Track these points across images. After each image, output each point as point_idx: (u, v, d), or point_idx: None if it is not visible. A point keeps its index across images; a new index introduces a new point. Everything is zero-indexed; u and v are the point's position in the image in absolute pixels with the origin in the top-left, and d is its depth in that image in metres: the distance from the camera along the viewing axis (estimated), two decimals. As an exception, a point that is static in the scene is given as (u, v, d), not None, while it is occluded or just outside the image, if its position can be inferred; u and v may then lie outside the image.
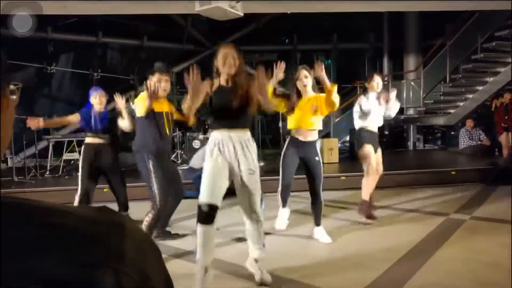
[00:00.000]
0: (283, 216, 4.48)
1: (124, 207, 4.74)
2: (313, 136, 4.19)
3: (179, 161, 8.63)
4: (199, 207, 3.10)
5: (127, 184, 4.82)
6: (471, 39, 10.51)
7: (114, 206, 4.73)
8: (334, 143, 8.90)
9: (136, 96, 4.92)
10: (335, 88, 3.92)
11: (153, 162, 4.05)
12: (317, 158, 4.15)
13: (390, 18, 12.53)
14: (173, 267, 3.57)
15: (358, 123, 4.96)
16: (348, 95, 11.23)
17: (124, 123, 4.39)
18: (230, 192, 3.31)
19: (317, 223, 4.27)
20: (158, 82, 4.07)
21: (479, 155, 9.10)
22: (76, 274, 0.45)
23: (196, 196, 5.81)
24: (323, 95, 4.06)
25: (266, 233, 4.32)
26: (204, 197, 3.10)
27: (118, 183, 4.74)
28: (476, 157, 8.86)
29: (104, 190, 5.14)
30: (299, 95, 4.19)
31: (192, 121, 3.40)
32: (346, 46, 13.44)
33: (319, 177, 4.16)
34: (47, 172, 7.75)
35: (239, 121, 3.17)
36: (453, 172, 7.21)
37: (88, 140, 4.69)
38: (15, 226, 0.46)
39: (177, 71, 11.03)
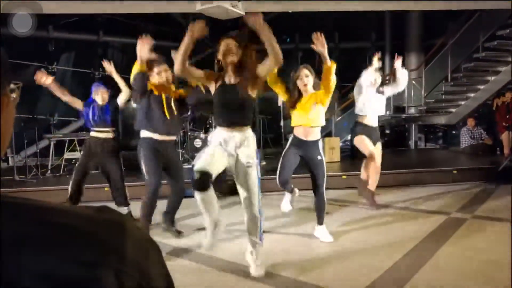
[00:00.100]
0: (287, 198, 4.58)
1: (123, 203, 4.74)
2: (314, 135, 4.17)
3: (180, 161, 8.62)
4: (194, 174, 3.19)
5: (132, 183, 4.83)
6: (472, 38, 10.49)
7: (114, 206, 4.73)
8: (335, 142, 8.91)
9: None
10: (334, 66, 3.89)
11: (142, 141, 4.11)
12: (319, 157, 4.14)
13: (391, 17, 12.52)
14: (174, 265, 3.57)
15: (357, 107, 5.28)
16: (350, 94, 11.22)
17: (122, 95, 4.45)
18: (231, 192, 3.34)
19: (319, 222, 4.27)
20: (159, 74, 4.11)
21: (480, 154, 9.09)
22: (77, 273, 0.45)
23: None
24: (322, 91, 4.06)
25: (266, 231, 4.33)
26: (198, 164, 3.20)
27: (117, 179, 4.73)
28: (478, 156, 8.85)
29: (105, 189, 5.14)
30: (300, 94, 4.19)
31: (178, 66, 3.13)
32: (348, 45, 13.42)
33: (322, 176, 4.15)
34: (48, 171, 7.76)
35: (241, 119, 3.27)
36: (455, 171, 7.20)
37: (91, 134, 4.76)
38: (16, 225, 0.46)
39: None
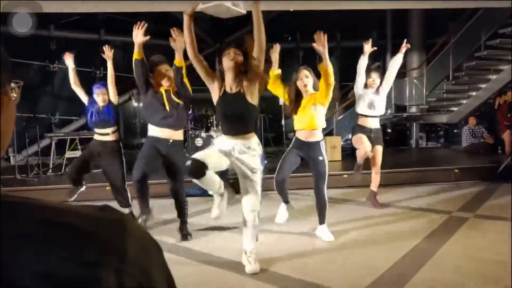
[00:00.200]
0: (282, 210, 4.54)
1: (125, 204, 4.73)
2: (314, 137, 4.18)
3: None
4: (191, 163, 3.25)
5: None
6: (474, 36, 10.47)
7: (115, 205, 4.73)
8: (337, 141, 8.90)
9: (138, 94, 5.03)
10: (331, 67, 3.88)
11: (146, 138, 4.38)
12: (321, 158, 4.14)
13: (393, 16, 12.50)
14: (174, 264, 3.57)
15: (357, 106, 5.36)
16: (350, 94, 11.21)
17: (111, 96, 4.59)
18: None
19: (321, 221, 4.27)
20: (159, 74, 4.17)
21: (481, 153, 9.08)
22: (77, 273, 0.45)
23: (200, 195, 5.86)
24: (320, 92, 4.06)
25: (266, 230, 4.33)
26: (196, 154, 3.30)
27: (118, 180, 4.73)
28: (479, 155, 8.83)
29: (107, 188, 5.14)
30: (300, 95, 4.19)
31: (192, 52, 3.34)
32: (349, 44, 13.39)
33: (323, 176, 4.15)
34: (50, 170, 7.76)
35: (243, 127, 3.35)
36: (456, 170, 7.19)
37: (94, 136, 4.79)
38: (16, 224, 0.46)
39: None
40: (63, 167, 7.79)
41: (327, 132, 10.07)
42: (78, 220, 0.49)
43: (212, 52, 10.17)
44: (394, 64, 5.13)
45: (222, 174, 3.56)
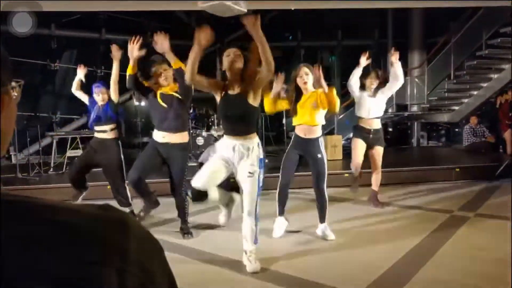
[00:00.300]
0: (279, 224, 4.38)
1: (125, 203, 4.73)
2: (313, 133, 4.18)
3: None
4: (192, 189, 3.47)
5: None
6: (475, 35, 10.45)
7: (116, 205, 4.74)
8: (338, 140, 8.90)
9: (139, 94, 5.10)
10: (334, 91, 4.03)
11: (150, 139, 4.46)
12: (319, 155, 4.14)
13: (394, 15, 12.47)
14: (174, 264, 3.57)
15: (356, 108, 5.41)
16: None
17: (112, 94, 4.62)
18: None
19: (321, 220, 4.27)
20: (158, 74, 4.18)
21: (483, 152, 9.06)
22: (79, 272, 0.45)
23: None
24: (321, 90, 4.07)
25: (266, 229, 4.33)
26: (197, 181, 3.41)
27: (117, 179, 4.73)
28: (480, 154, 8.82)
29: (108, 187, 5.14)
30: (300, 92, 4.19)
31: (189, 75, 3.23)
32: (350, 43, 13.38)
33: (322, 174, 4.15)
34: (51, 169, 7.76)
35: (244, 128, 3.38)
36: (457, 169, 7.18)
37: (94, 134, 4.82)
38: (17, 223, 0.46)
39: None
40: (64, 166, 7.80)
41: (328, 131, 10.06)
42: (79, 219, 0.49)
43: (213, 52, 10.17)
44: (398, 71, 5.11)
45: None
